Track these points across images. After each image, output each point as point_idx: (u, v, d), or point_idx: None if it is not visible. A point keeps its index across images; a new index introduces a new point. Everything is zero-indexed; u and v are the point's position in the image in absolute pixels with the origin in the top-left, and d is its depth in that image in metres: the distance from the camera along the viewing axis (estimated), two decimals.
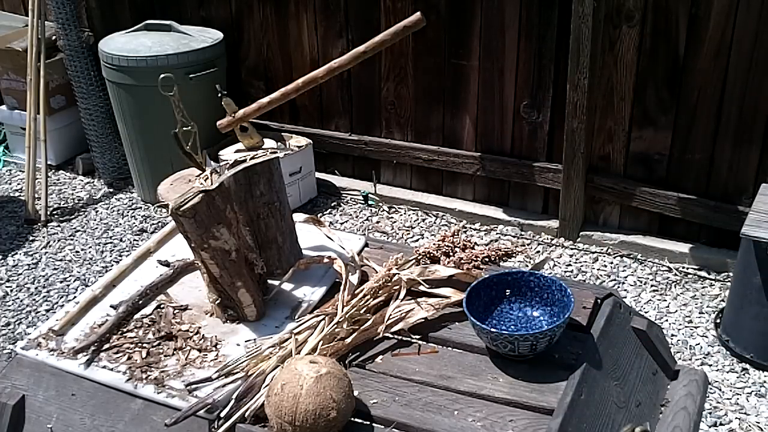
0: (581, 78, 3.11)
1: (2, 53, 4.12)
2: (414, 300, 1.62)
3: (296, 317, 1.62)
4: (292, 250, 1.77)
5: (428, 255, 1.74)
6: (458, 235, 1.80)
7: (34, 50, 3.88)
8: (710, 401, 2.55)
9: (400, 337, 1.58)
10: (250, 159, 1.64)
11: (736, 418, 2.50)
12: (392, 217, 3.75)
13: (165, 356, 1.54)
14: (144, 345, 1.57)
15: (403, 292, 1.62)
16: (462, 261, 1.71)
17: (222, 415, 1.37)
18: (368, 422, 1.39)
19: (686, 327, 2.92)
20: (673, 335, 2.87)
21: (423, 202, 3.79)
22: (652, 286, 3.16)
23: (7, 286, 3.33)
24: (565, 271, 3.28)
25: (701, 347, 2.81)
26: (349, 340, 1.53)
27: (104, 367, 1.52)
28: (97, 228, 3.77)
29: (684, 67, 3.04)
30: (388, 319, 1.56)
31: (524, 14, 3.26)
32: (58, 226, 3.80)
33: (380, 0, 3.52)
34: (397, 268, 1.66)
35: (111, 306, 1.69)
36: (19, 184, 4.21)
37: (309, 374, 1.30)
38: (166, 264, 1.83)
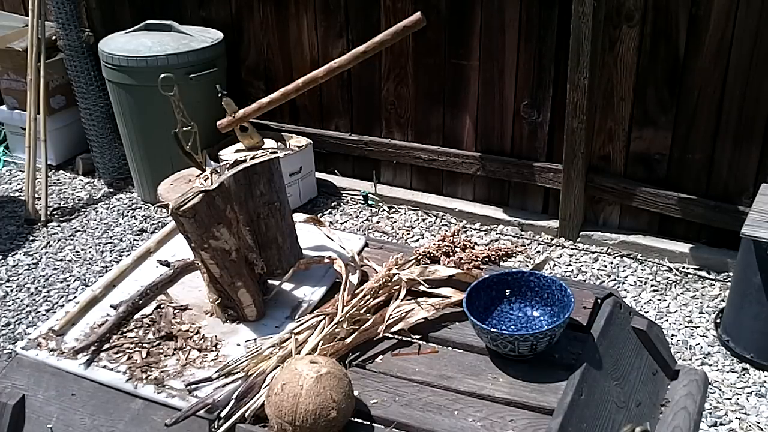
0: (581, 78, 3.11)
1: (2, 53, 4.12)
2: (414, 300, 1.62)
3: (296, 317, 1.62)
4: (292, 250, 1.77)
5: (428, 255, 1.74)
6: (458, 235, 1.80)
7: (34, 50, 3.88)
8: (710, 401, 2.55)
9: (400, 337, 1.58)
10: (250, 159, 1.64)
11: (736, 418, 2.50)
12: (392, 217, 3.75)
13: (165, 356, 1.54)
14: (144, 345, 1.57)
15: (403, 292, 1.62)
16: (462, 261, 1.71)
17: (222, 415, 1.37)
18: (368, 422, 1.39)
19: (686, 327, 2.92)
20: (673, 335, 2.87)
21: (423, 202, 3.79)
22: (652, 286, 3.16)
23: (7, 286, 3.33)
24: (565, 271, 3.28)
25: (701, 347, 2.81)
26: (349, 340, 1.53)
27: (104, 367, 1.52)
28: (97, 228, 3.77)
29: (684, 67, 3.04)
30: (388, 319, 1.56)
31: (524, 14, 3.26)
32: (58, 226, 3.80)
33: (380, 0, 3.52)
34: (397, 268, 1.66)
35: (111, 306, 1.69)
36: (19, 184, 4.21)
37: (309, 374, 1.30)
38: (166, 264, 1.83)
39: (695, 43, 2.98)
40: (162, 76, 1.88)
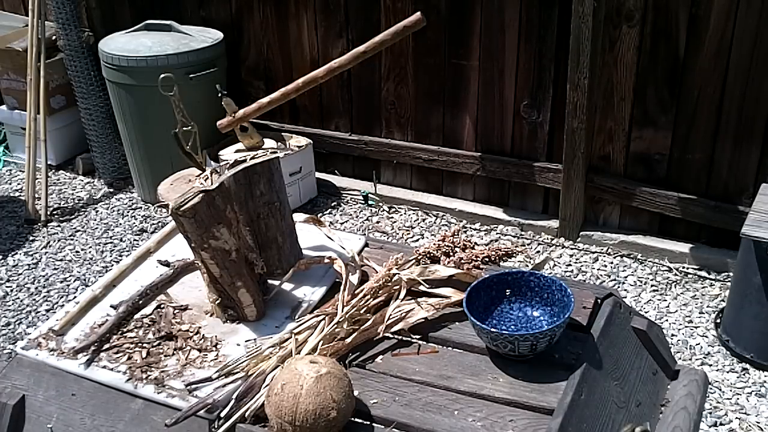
0: (581, 78, 3.11)
1: (2, 53, 4.12)
2: (414, 300, 1.62)
3: (296, 317, 1.62)
4: (292, 250, 1.77)
5: (428, 255, 1.74)
6: (458, 235, 1.80)
7: (34, 50, 3.88)
8: (710, 401, 2.55)
9: (400, 337, 1.58)
10: (250, 159, 1.64)
11: (736, 418, 2.50)
12: (392, 217, 3.75)
13: (165, 356, 1.54)
14: (144, 345, 1.57)
15: (403, 292, 1.62)
16: (462, 261, 1.71)
17: (222, 415, 1.37)
18: (368, 422, 1.39)
19: (686, 327, 2.92)
20: (673, 335, 2.87)
21: (423, 202, 3.79)
22: (652, 286, 3.16)
23: (7, 286, 3.33)
24: (565, 271, 3.28)
25: (701, 347, 2.81)
26: (349, 340, 1.53)
27: (104, 367, 1.52)
28: (97, 228, 3.77)
29: (684, 67, 3.04)
30: (388, 319, 1.56)
31: (524, 14, 3.26)
32: (58, 226, 3.80)
33: (380, 0, 3.52)
34: (397, 268, 1.66)
35: (111, 306, 1.69)
36: (19, 184, 4.21)
37: (309, 374, 1.30)
38: (166, 264, 1.83)
39: (695, 43, 2.98)
40: (162, 76, 1.88)
